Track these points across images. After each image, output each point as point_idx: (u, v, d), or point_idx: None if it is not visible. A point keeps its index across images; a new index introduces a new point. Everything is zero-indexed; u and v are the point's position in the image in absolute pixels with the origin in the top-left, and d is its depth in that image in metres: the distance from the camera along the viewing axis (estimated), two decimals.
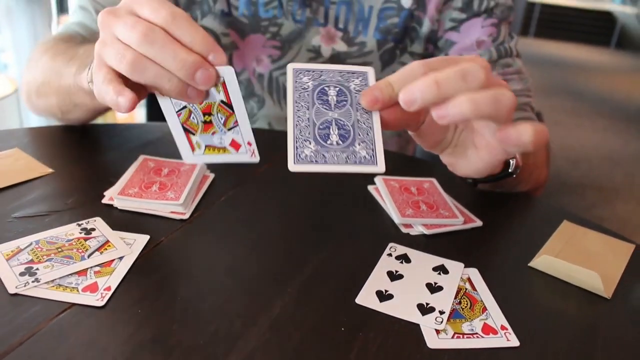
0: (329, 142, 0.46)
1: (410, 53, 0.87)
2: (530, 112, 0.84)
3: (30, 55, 0.78)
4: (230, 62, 0.90)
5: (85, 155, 0.70)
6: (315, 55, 0.86)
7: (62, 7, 3.21)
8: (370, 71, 0.50)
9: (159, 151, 0.69)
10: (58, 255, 0.49)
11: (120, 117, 2.90)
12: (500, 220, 0.65)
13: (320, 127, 0.47)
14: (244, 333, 0.43)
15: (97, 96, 0.50)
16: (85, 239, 0.52)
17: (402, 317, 0.46)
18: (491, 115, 0.45)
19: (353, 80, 0.50)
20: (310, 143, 0.46)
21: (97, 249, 0.51)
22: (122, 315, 0.43)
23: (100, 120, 0.79)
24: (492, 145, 0.50)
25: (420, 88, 0.44)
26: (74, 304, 0.44)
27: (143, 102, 1.34)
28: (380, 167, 0.46)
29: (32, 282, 0.46)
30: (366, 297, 0.48)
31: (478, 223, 0.62)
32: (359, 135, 0.47)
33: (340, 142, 0.46)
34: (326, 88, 0.49)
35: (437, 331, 0.45)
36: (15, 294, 0.44)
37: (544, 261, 0.55)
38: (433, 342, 0.44)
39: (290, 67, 0.49)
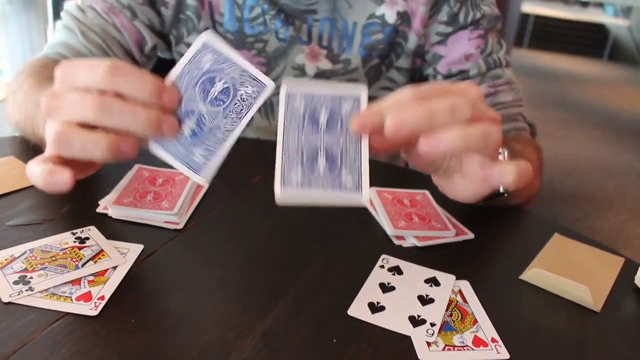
0: (316, 171, 0.46)
1: (397, 68, 0.87)
2: (522, 121, 0.85)
3: (11, 82, 0.74)
4: None
5: None
6: (300, 73, 0.86)
7: (57, 13, 3.21)
8: (363, 94, 0.49)
9: (153, 161, 0.69)
10: (52, 264, 0.49)
11: None
12: (492, 232, 0.65)
13: (308, 154, 0.47)
14: (237, 344, 0.43)
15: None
16: (80, 248, 0.52)
17: (393, 329, 0.46)
18: (479, 149, 0.46)
19: (344, 105, 0.49)
20: (297, 172, 0.46)
21: (91, 258, 0.51)
22: (115, 325, 0.43)
23: None
24: (478, 177, 0.51)
25: (410, 116, 0.44)
26: (67, 313, 0.44)
27: None
28: (365, 197, 0.46)
29: (26, 290, 0.46)
30: (358, 309, 0.48)
31: (470, 235, 0.62)
32: (346, 163, 0.47)
33: (328, 172, 0.47)
34: (317, 114, 0.48)
35: (428, 343, 0.45)
36: (9, 303, 0.44)
37: (535, 274, 0.55)
38: (424, 354, 0.44)
39: (283, 89, 0.48)
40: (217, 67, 0.47)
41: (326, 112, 0.48)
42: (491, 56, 0.85)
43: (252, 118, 0.48)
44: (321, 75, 0.86)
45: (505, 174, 0.47)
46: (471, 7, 0.84)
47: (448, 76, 0.87)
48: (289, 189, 0.45)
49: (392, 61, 0.87)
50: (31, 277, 0.47)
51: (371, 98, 0.90)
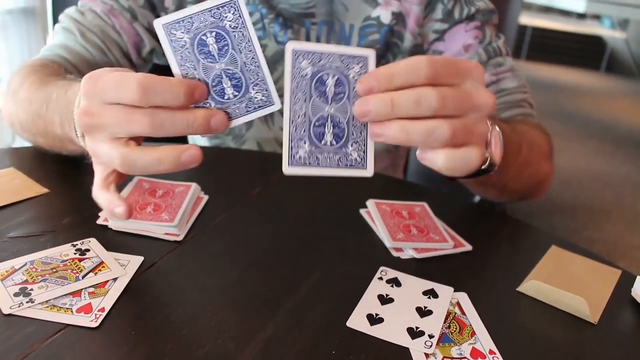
0: (323, 142, 0.46)
1: None
2: (529, 108, 0.85)
3: (9, 81, 0.74)
4: None
5: (80, 175, 0.71)
6: None
7: (57, 22, 3.21)
8: (371, 55, 0.47)
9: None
10: (53, 275, 0.50)
11: None
12: (489, 244, 0.66)
13: (316, 124, 0.46)
14: (237, 355, 0.43)
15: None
16: (80, 260, 0.52)
17: (392, 341, 0.47)
18: (423, 144, 0.47)
19: (353, 67, 0.47)
20: (305, 143, 0.46)
21: (92, 270, 0.51)
22: (116, 336, 0.44)
23: None
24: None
25: (375, 103, 0.45)
26: (68, 325, 0.44)
27: None
28: (369, 171, 0.47)
29: (27, 302, 0.46)
30: (357, 321, 0.48)
31: (468, 247, 0.63)
32: (353, 134, 0.47)
33: (334, 142, 0.47)
34: (325, 77, 0.46)
35: (427, 355, 0.45)
36: (9, 315, 0.45)
37: (532, 286, 0.56)
38: None
39: (289, 48, 0.46)
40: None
41: (334, 74, 0.47)
42: (490, 45, 0.85)
43: (249, 127, 0.47)
44: None
45: (435, 160, 0.48)
46: (465, 4, 0.85)
47: None
48: (296, 165, 0.46)
49: (388, 61, 0.87)
50: (32, 289, 0.47)
51: None
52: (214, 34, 0.46)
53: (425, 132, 0.46)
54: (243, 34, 0.46)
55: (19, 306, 0.46)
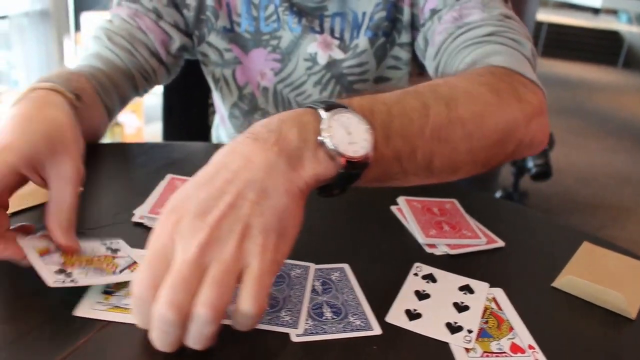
0: (324, 317, 0.48)
1: (400, 45, 0.86)
2: (495, 43, 0.70)
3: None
4: (233, 77, 0.93)
5: (112, 173, 0.72)
6: (312, 63, 0.87)
7: (78, 25, 3.26)
8: (346, 267, 0.55)
9: (184, 170, 0.70)
10: (90, 265, 0.50)
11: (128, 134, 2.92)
12: (520, 240, 0.66)
13: (313, 307, 0.49)
14: (279, 351, 0.44)
15: None
16: (113, 257, 0.53)
17: (431, 336, 0.47)
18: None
19: (333, 274, 0.54)
20: (307, 321, 0.47)
21: (127, 267, 0.52)
22: None
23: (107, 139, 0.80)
24: None
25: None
26: (112, 322, 0.45)
27: (159, 117, 1.36)
28: (377, 330, 0.47)
29: (70, 282, 0.46)
30: (396, 316, 0.48)
31: (500, 243, 0.63)
32: (350, 310, 0.49)
33: (335, 316, 0.48)
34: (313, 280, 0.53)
35: (467, 350, 0.46)
36: (56, 314, 0.45)
37: (568, 281, 0.56)
38: None
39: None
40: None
41: (318, 279, 0.53)
42: None
43: None
44: (332, 64, 0.86)
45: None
46: None
47: (424, 24, 0.80)
48: (302, 335, 0.46)
49: (394, 38, 0.86)
50: (71, 272, 0.48)
51: (380, 78, 0.89)
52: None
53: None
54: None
55: (62, 282, 0.46)
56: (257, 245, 0.40)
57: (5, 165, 0.49)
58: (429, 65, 0.80)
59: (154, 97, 1.22)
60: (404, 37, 0.85)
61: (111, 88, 0.80)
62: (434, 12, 0.78)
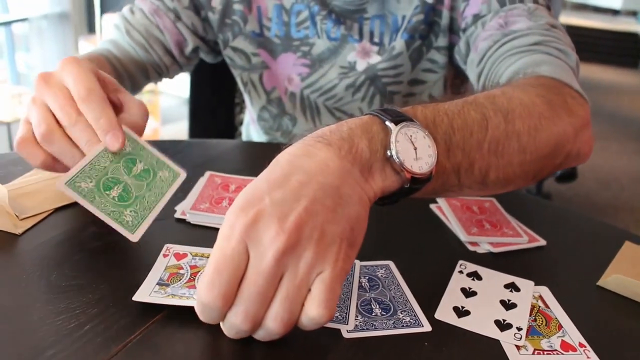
0: (373, 314, 0.48)
1: (437, 48, 0.85)
2: (547, 52, 0.69)
3: None
4: (260, 81, 0.94)
5: None
6: (349, 70, 0.87)
7: (92, 27, 3.30)
8: (391, 264, 0.55)
9: (222, 167, 0.71)
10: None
11: (145, 133, 2.92)
12: (561, 239, 0.65)
13: (362, 304, 0.49)
14: (329, 347, 0.44)
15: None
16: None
17: (481, 333, 0.46)
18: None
19: (379, 271, 0.54)
20: (357, 317, 0.47)
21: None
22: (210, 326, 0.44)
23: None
24: None
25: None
26: (169, 309, 0.45)
27: (186, 115, 1.36)
28: (426, 326, 0.47)
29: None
30: (444, 313, 0.48)
31: (542, 242, 0.62)
32: (399, 307, 0.49)
33: (384, 312, 0.48)
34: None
35: (518, 347, 0.45)
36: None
37: (614, 280, 0.55)
38: (516, 358, 0.44)
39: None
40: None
41: (364, 276, 0.54)
42: None
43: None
44: (370, 69, 0.86)
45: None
46: None
47: (466, 29, 0.79)
48: (352, 332, 0.46)
49: (431, 42, 0.85)
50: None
51: (415, 80, 0.88)
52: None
53: (229, 327, 0.42)
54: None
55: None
56: (332, 253, 0.40)
57: (88, 69, 0.57)
58: (471, 71, 0.78)
59: (171, 98, 1.23)
60: (441, 41, 0.84)
61: (125, 74, 0.84)
62: (477, 17, 0.77)
